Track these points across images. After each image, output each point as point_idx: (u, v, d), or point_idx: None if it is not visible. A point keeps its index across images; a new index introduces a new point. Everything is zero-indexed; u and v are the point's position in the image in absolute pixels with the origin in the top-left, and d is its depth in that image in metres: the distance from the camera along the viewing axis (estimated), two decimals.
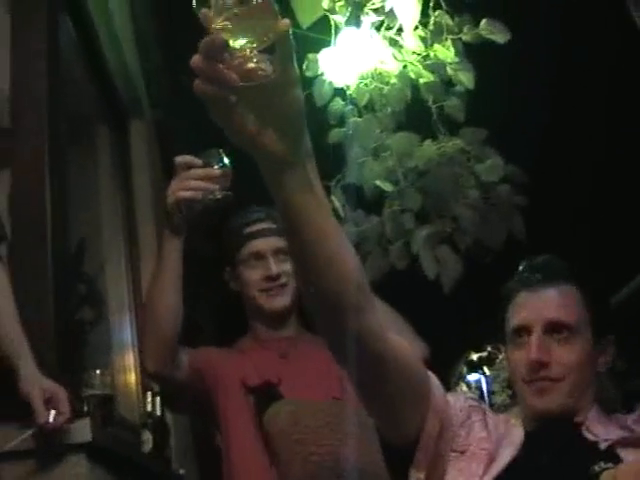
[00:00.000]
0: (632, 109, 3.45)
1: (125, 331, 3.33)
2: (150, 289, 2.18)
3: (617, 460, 1.47)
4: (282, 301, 2.29)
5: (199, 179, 2.03)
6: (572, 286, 1.66)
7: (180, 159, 2.06)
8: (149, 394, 2.86)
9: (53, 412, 1.84)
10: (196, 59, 0.96)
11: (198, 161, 2.05)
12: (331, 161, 2.67)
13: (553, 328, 1.62)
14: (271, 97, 1.02)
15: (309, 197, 1.12)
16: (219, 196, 2.02)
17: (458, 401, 1.62)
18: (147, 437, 2.69)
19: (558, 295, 1.65)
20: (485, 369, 2.83)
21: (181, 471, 2.99)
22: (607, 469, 1.43)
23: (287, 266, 2.25)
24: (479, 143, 2.70)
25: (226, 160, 2.03)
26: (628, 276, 2.31)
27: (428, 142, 2.65)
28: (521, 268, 1.73)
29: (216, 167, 2.03)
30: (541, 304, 1.64)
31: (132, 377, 3.27)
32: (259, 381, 2.24)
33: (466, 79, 2.77)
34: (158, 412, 2.79)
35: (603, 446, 1.52)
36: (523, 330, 1.64)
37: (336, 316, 1.26)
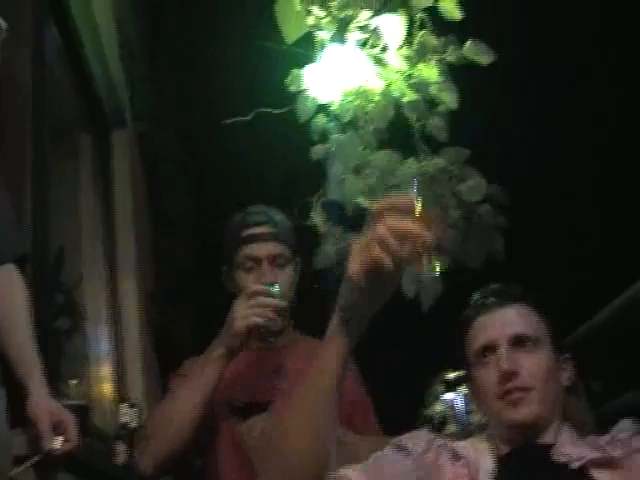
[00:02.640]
0: (615, 130, 3.48)
1: (101, 342, 3.31)
2: (181, 400, 2.09)
3: None
4: (276, 323, 2.20)
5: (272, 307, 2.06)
6: (527, 306, 1.70)
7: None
8: (124, 405, 2.83)
9: (60, 439, 1.79)
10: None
11: None
12: (313, 177, 2.68)
13: (518, 341, 1.64)
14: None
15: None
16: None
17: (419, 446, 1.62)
18: (121, 449, 2.66)
19: (516, 313, 1.69)
20: (462, 388, 2.83)
21: None
22: None
23: (283, 275, 2.19)
24: (461, 163, 2.71)
25: None
26: (605, 300, 2.33)
27: (410, 160, 2.66)
28: (475, 297, 1.76)
29: None
30: (502, 322, 1.67)
31: (107, 388, 3.25)
32: (246, 401, 2.20)
33: (449, 99, 2.79)
34: (134, 423, 2.77)
35: (575, 466, 1.52)
36: (488, 349, 1.66)
37: None
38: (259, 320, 2.03)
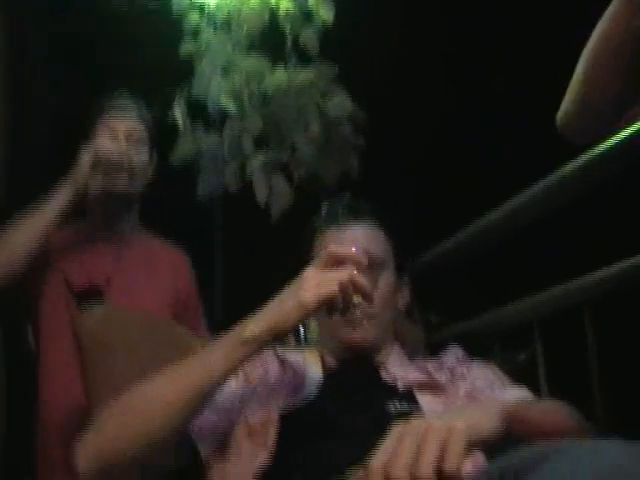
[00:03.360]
0: (479, 57, 3.52)
1: None
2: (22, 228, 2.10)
3: (413, 402, 1.50)
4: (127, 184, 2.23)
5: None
6: (374, 224, 1.71)
7: None
8: None
9: None
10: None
11: None
12: (180, 73, 2.64)
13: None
14: None
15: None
16: None
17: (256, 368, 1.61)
18: None
19: (365, 231, 1.70)
20: None
21: None
22: (402, 411, 1.46)
23: (141, 154, 2.25)
24: (329, 79, 2.72)
25: None
26: (450, 232, 2.38)
27: (279, 70, 2.65)
28: (325, 207, 1.76)
29: None
30: (350, 239, 1.67)
31: None
32: (84, 281, 2.19)
33: (325, 13, 2.79)
34: None
35: (401, 387, 1.55)
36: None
37: None
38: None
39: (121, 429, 1.36)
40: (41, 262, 2.14)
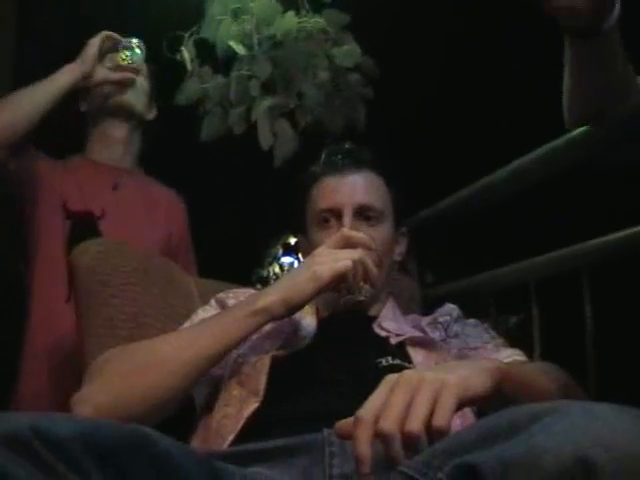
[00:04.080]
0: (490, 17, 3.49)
1: None
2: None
3: (406, 358, 1.50)
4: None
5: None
6: (376, 174, 1.72)
7: None
8: None
9: None
10: None
11: None
12: (188, 13, 2.60)
13: (362, 211, 1.66)
14: None
15: None
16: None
17: None
18: None
19: (365, 180, 1.70)
20: (300, 255, 2.90)
21: None
22: (394, 364, 1.46)
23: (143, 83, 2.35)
24: (340, 27, 2.69)
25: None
26: (447, 191, 2.38)
27: (290, 14, 2.61)
28: (325, 154, 1.76)
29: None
30: (350, 188, 1.67)
31: None
32: (81, 207, 2.20)
33: None
34: None
35: (393, 341, 1.55)
36: (332, 212, 1.67)
37: None
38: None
39: (128, 389, 1.36)
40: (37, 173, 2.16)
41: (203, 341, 1.39)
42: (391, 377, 0.97)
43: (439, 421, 0.90)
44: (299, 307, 1.45)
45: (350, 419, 0.94)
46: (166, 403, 1.39)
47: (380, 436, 0.90)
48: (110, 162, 2.31)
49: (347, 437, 0.94)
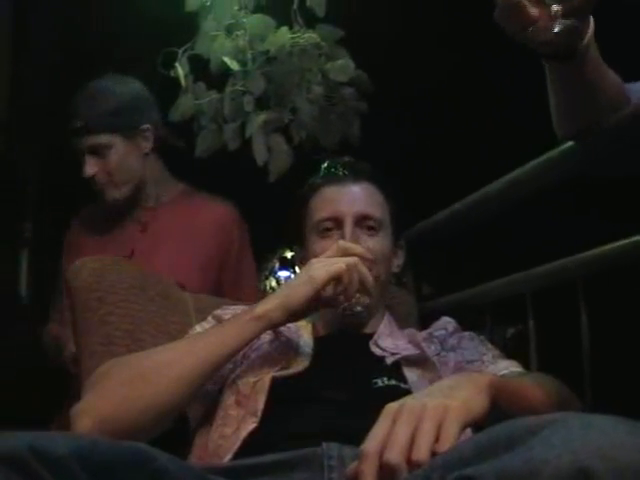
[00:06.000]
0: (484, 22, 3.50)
1: None
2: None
3: (401, 378, 1.51)
4: (112, 194, 2.30)
5: None
6: (375, 186, 1.74)
7: None
8: None
9: None
10: None
11: None
12: (184, 29, 2.61)
13: (363, 221, 1.68)
14: None
15: None
16: None
17: None
18: None
19: (365, 191, 1.72)
20: (297, 268, 2.91)
21: None
22: (390, 385, 1.47)
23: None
24: (333, 41, 2.69)
25: None
26: (445, 203, 2.38)
27: (284, 29, 2.61)
28: (324, 166, 1.78)
29: None
30: (351, 198, 1.69)
31: None
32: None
33: None
34: None
35: (389, 361, 1.56)
36: (332, 221, 1.68)
37: None
38: None
39: (130, 396, 1.34)
40: None
41: (204, 347, 1.41)
42: (392, 407, 0.97)
43: (445, 448, 0.90)
44: (298, 312, 1.47)
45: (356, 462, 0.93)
46: (168, 412, 1.39)
47: (386, 468, 0.89)
48: (134, 206, 2.34)
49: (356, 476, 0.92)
